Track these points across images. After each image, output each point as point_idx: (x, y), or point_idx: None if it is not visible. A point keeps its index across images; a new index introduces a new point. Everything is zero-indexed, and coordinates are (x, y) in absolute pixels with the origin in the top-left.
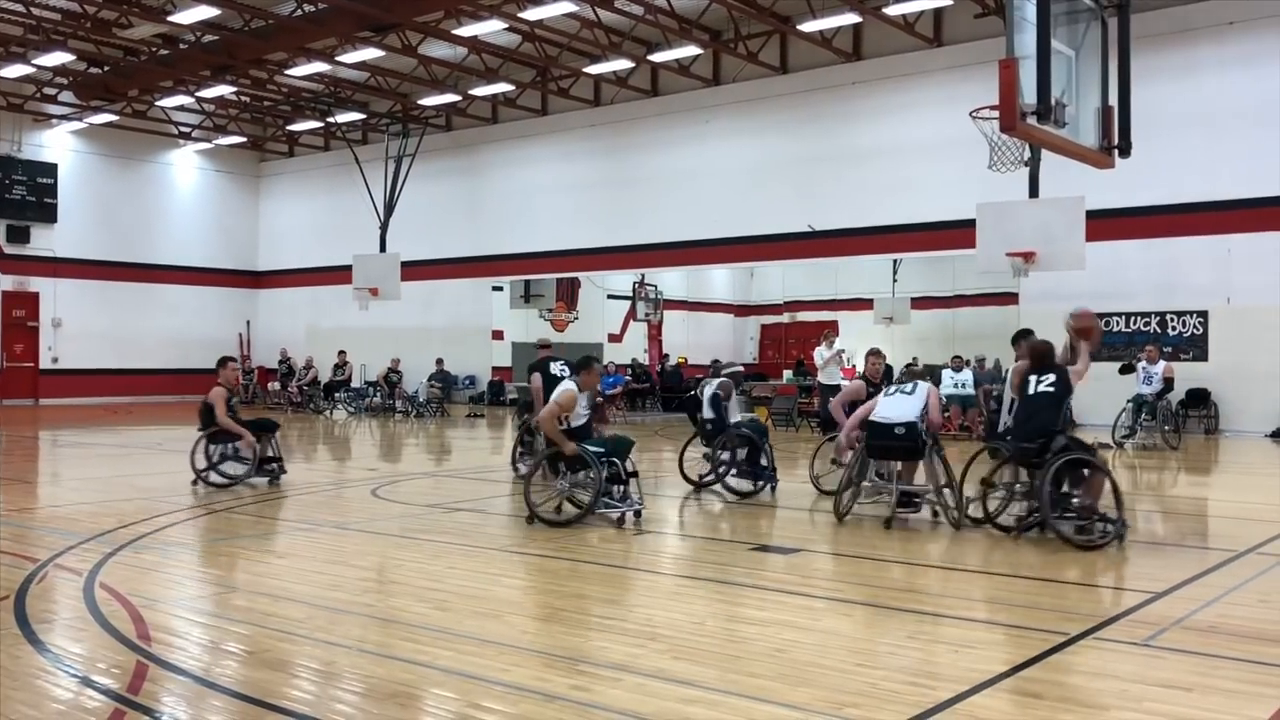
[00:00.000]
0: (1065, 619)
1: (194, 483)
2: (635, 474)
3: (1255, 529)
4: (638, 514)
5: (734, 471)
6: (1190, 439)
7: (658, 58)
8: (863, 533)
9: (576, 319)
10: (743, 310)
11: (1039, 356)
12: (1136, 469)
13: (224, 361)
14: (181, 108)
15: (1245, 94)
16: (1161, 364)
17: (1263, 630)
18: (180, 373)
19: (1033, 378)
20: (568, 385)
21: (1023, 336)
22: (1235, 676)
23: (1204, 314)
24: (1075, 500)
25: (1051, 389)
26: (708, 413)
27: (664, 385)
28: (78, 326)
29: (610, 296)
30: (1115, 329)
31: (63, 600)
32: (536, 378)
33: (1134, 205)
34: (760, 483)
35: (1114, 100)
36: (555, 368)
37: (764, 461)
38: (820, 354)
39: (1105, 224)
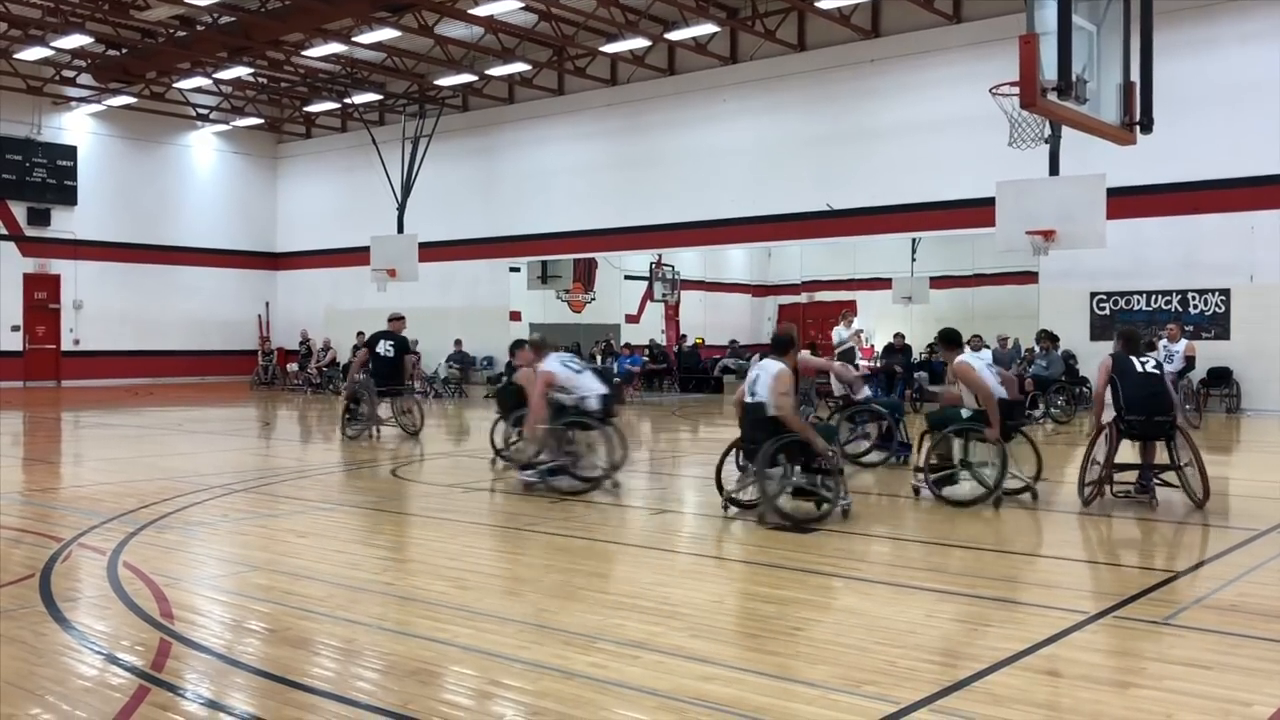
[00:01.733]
0: (1085, 597)
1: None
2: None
3: (1277, 508)
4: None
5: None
6: (1212, 418)
7: (674, 36)
8: (880, 512)
9: (594, 300)
10: (760, 290)
11: (1132, 340)
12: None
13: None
14: (199, 89)
15: (1269, 69)
16: (1183, 342)
17: None
18: (200, 354)
19: (1134, 359)
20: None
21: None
22: (1255, 655)
23: (1226, 292)
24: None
25: (1157, 369)
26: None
27: (681, 366)
28: (98, 308)
29: (627, 277)
30: (1136, 307)
31: (87, 579)
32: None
33: (1155, 182)
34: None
35: (1136, 76)
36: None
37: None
38: (839, 334)
39: (1126, 201)
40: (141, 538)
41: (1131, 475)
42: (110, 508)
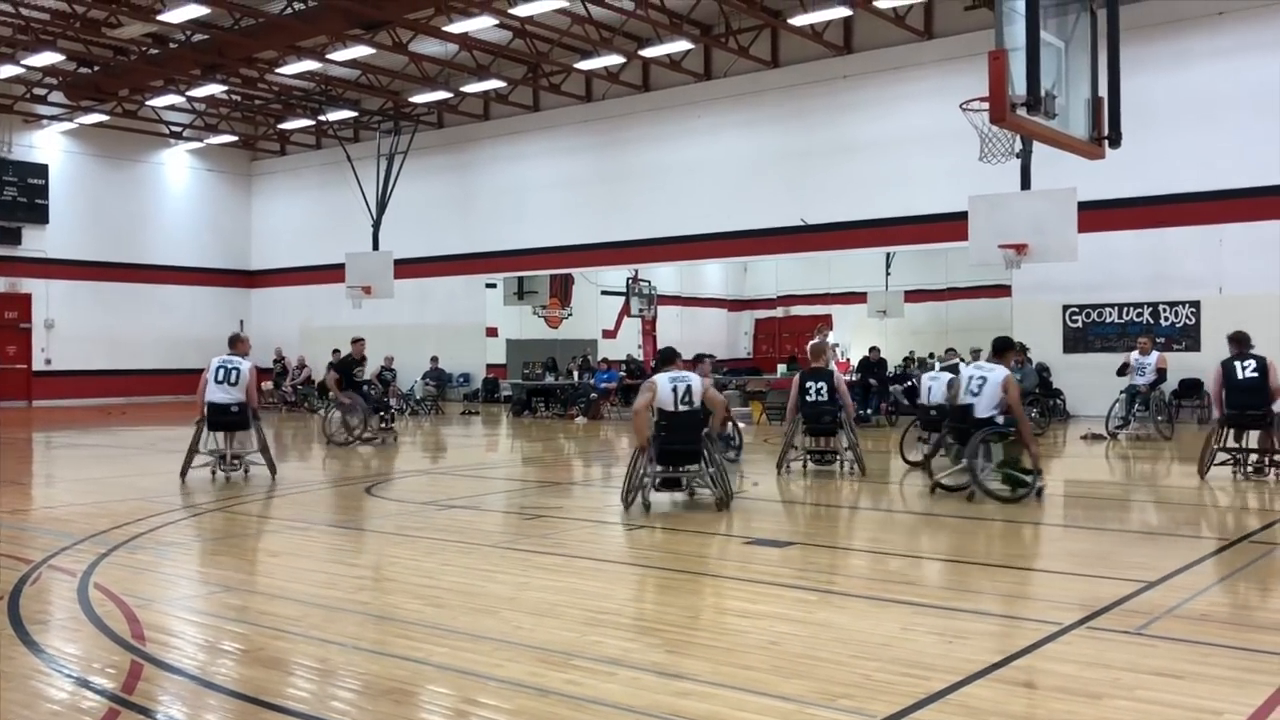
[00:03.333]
0: (1058, 609)
1: None
2: None
3: (1247, 517)
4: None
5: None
6: (1183, 429)
7: (649, 53)
8: (856, 525)
9: (570, 315)
10: (736, 305)
11: (1241, 342)
12: (1130, 459)
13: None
14: (172, 107)
15: (1236, 84)
16: (1154, 355)
17: (1254, 618)
18: (174, 373)
19: (1237, 364)
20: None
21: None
22: (1227, 664)
23: (1196, 304)
24: None
25: (1256, 374)
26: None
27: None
28: (70, 327)
29: (604, 292)
30: (1108, 320)
31: (57, 601)
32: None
33: (1125, 196)
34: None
35: (1104, 91)
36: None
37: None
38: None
39: (1097, 215)
40: (113, 559)
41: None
42: (81, 529)
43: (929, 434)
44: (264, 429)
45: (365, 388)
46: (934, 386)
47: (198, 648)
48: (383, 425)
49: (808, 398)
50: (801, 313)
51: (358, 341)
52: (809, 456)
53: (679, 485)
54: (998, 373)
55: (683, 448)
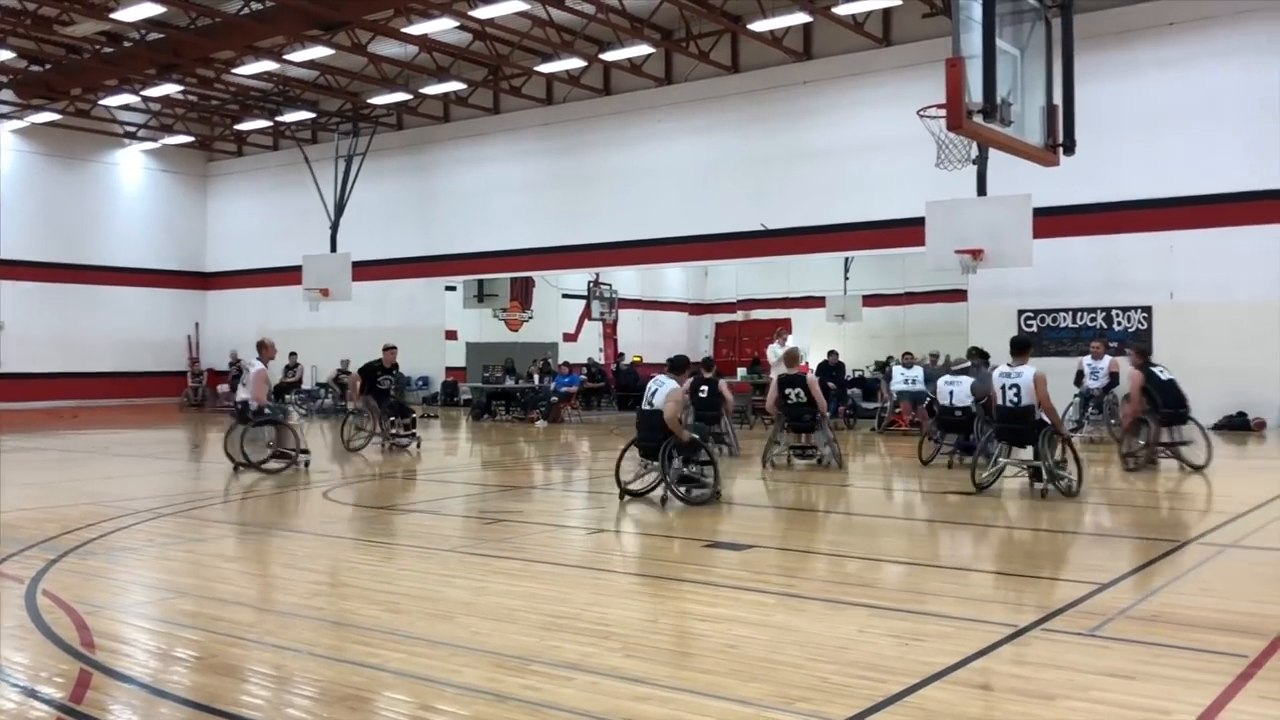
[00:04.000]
0: (1013, 611)
1: None
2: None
3: (1198, 519)
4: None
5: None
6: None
7: (610, 57)
8: (814, 528)
9: (531, 318)
10: (697, 309)
11: (1146, 353)
12: (1083, 462)
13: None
14: (126, 107)
15: (1186, 93)
16: (1107, 359)
17: (1204, 618)
18: (128, 376)
19: (1154, 369)
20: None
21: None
22: (1178, 664)
23: (1148, 309)
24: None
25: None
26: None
27: (619, 384)
28: (22, 330)
29: (565, 296)
30: (1062, 324)
31: (4, 609)
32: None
33: (1079, 203)
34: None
35: (1058, 99)
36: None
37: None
38: (774, 351)
39: (1051, 221)
40: (63, 565)
41: None
42: (30, 534)
43: (942, 434)
44: (283, 429)
45: (389, 395)
46: (955, 390)
47: (149, 655)
48: (400, 432)
49: (788, 400)
50: (761, 316)
51: (389, 349)
52: (791, 451)
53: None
54: (1027, 373)
55: (646, 444)
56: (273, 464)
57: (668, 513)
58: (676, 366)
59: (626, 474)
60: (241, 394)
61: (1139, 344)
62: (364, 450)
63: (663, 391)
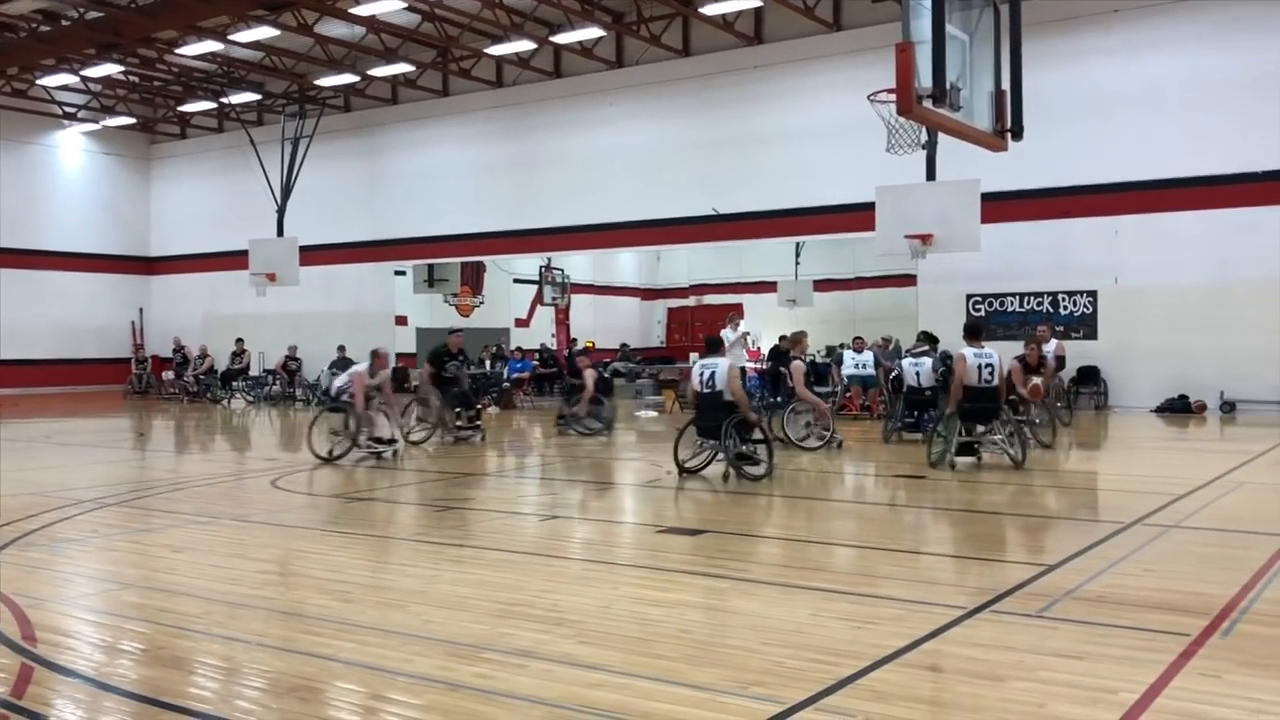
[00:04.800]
0: (963, 593)
1: None
2: None
3: (1142, 501)
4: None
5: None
6: (1081, 415)
7: (560, 39)
8: (768, 513)
9: (482, 303)
10: (649, 294)
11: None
12: (1030, 444)
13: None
14: (65, 87)
15: (1131, 79)
16: (1053, 342)
17: (1148, 598)
18: (70, 363)
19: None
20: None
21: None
22: (1123, 644)
23: (1093, 294)
24: None
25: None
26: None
27: (571, 370)
28: None
29: (516, 280)
30: (1010, 309)
31: None
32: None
33: (1027, 188)
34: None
35: (1006, 84)
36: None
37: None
38: (726, 336)
39: (999, 206)
40: (3, 557)
41: None
42: None
43: (914, 413)
44: (366, 422)
45: (456, 384)
46: (920, 371)
47: (94, 648)
48: (464, 425)
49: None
50: (714, 302)
51: (456, 334)
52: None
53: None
54: (996, 355)
55: (707, 424)
56: (355, 450)
57: (622, 498)
58: (713, 347)
59: (684, 452)
60: (340, 380)
61: (971, 322)
62: (427, 444)
63: (720, 373)
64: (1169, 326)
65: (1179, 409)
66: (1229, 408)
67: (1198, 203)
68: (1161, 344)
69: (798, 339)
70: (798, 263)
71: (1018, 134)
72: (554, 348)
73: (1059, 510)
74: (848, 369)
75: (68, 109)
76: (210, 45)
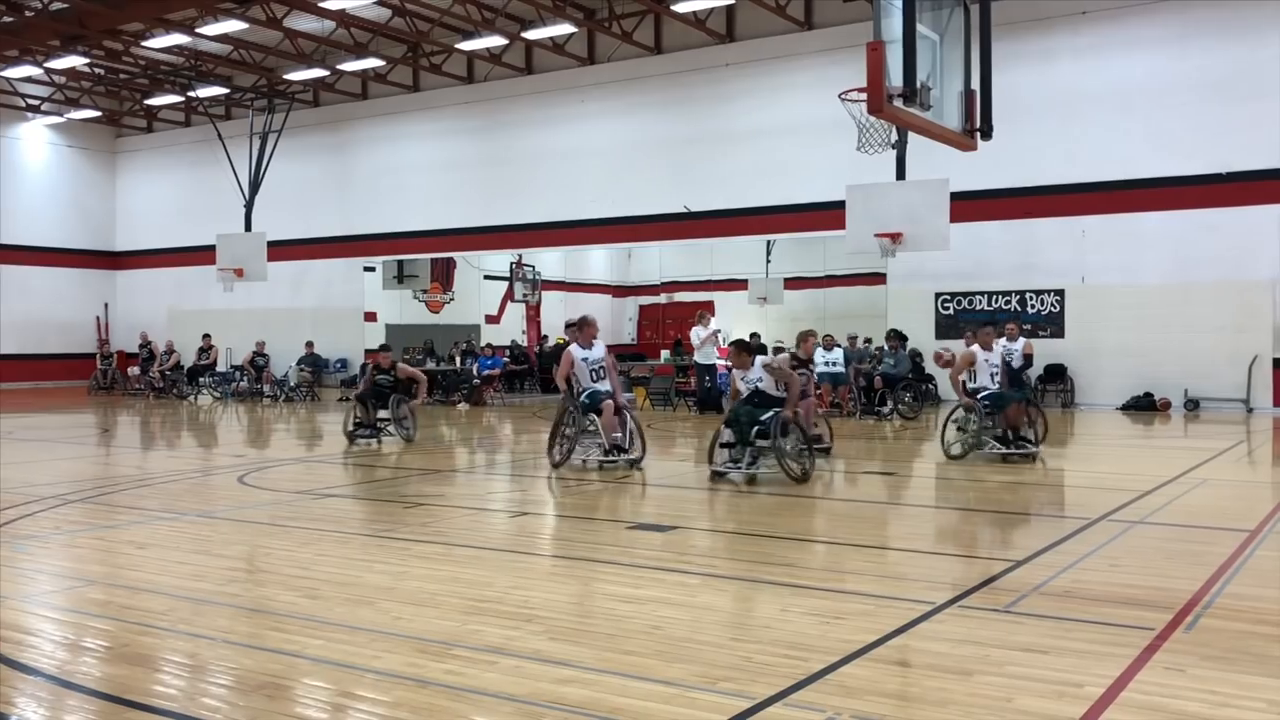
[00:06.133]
0: (931, 588)
1: None
2: None
3: (1107, 497)
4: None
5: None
6: (1049, 412)
7: (532, 35)
8: (738, 508)
9: (452, 300)
10: (621, 291)
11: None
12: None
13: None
14: (29, 79)
15: (1098, 81)
16: (1021, 341)
17: (1113, 593)
18: (33, 358)
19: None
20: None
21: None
22: (1089, 638)
23: (1060, 292)
24: None
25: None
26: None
27: (543, 367)
28: None
29: (487, 277)
30: (978, 307)
31: None
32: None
33: (995, 187)
34: None
35: (976, 84)
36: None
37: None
38: (697, 334)
39: (968, 205)
40: None
41: None
42: None
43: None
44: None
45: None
46: (831, 360)
47: (56, 645)
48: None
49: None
50: (685, 299)
51: (382, 350)
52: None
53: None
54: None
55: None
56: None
57: (592, 494)
58: (755, 350)
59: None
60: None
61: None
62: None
63: (766, 376)
64: (1135, 325)
65: (1144, 407)
66: (1193, 405)
67: (1163, 203)
68: (1127, 342)
69: (805, 337)
70: (769, 261)
71: (987, 134)
72: (525, 345)
73: (1026, 506)
74: (818, 366)
75: (31, 101)
76: (177, 38)
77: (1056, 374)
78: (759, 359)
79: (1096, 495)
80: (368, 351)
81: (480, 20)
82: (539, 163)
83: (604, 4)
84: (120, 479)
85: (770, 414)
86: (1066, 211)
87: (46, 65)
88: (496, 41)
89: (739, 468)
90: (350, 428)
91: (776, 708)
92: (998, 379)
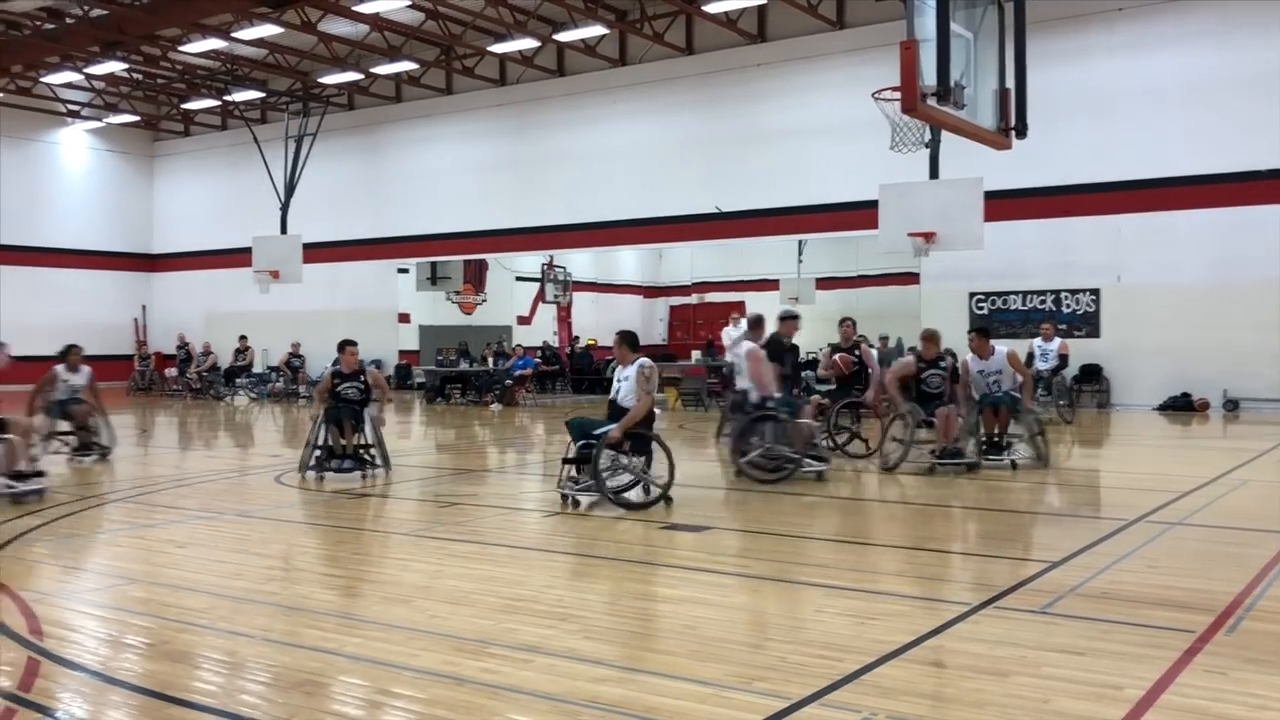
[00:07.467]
0: (967, 589)
1: None
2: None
3: (1145, 498)
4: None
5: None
6: (1084, 413)
7: (563, 37)
8: (770, 509)
9: (485, 301)
10: (651, 291)
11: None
12: None
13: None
14: (70, 85)
15: (1134, 78)
16: (1057, 341)
17: (1151, 595)
18: None
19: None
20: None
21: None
22: (1126, 640)
23: (1096, 292)
24: None
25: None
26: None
27: (574, 367)
28: None
29: (519, 278)
30: (1013, 307)
31: None
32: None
33: (1030, 186)
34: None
35: (1011, 83)
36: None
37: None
38: (729, 334)
39: (1002, 204)
40: (8, 552)
41: None
42: None
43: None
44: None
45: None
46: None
47: (99, 642)
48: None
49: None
50: (716, 299)
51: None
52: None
53: None
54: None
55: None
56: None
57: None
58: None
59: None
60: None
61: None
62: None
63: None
64: (1171, 325)
65: (1182, 407)
66: (1232, 406)
67: (1200, 201)
68: (1164, 342)
69: (758, 321)
70: (800, 260)
71: (1022, 132)
72: (556, 345)
73: (1062, 507)
74: None
75: (71, 106)
76: (214, 43)
77: (1092, 374)
78: (745, 344)
79: (1134, 496)
80: (339, 344)
81: (512, 23)
82: (570, 164)
83: (635, 5)
84: (159, 479)
85: (605, 429)
86: (1102, 210)
87: (86, 71)
88: (528, 44)
89: (575, 486)
90: (313, 460)
91: (812, 708)
92: (996, 387)
